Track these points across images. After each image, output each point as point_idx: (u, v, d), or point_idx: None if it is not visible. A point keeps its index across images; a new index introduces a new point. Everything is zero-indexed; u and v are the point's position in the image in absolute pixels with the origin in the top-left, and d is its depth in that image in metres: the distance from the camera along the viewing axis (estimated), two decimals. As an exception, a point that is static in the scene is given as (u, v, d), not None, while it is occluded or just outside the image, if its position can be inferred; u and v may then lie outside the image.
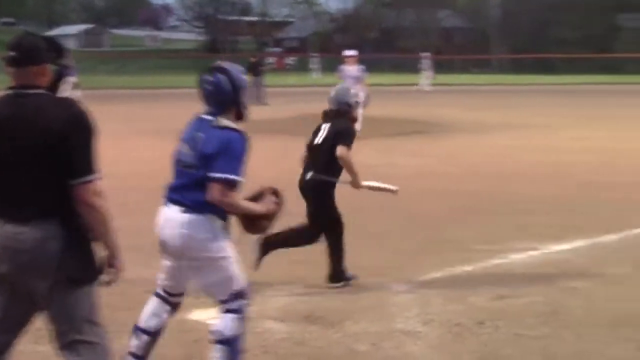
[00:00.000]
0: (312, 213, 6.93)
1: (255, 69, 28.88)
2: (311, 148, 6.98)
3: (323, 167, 6.82)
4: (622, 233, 8.95)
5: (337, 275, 6.88)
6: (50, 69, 3.65)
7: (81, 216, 3.58)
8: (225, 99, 4.57)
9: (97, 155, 3.63)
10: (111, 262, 3.70)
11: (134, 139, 18.63)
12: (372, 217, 9.34)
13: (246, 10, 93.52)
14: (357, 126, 18.71)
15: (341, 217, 6.91)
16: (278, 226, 4.83)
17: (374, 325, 5.90)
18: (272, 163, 12.58)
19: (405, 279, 7.05)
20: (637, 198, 11.22)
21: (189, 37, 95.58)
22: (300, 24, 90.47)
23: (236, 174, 4.42)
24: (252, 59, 31.14)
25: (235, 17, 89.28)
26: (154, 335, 4.71)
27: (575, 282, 7.02)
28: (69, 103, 3.60)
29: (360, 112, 18.13)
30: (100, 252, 3.69)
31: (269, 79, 32.04)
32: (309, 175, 6.89)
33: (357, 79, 18.17)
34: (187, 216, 4.47)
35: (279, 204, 4.75)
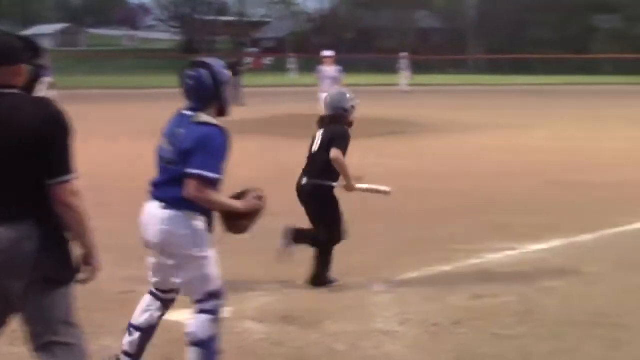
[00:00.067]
0: (313, 217, 6.92)
1: (233, 69, 28.71)
2: (309, 157, 6.98)
3: (319, 172, 6.80)
4: (597, 233, 9.02)
5: (321, 279, 6.87)
6: (26, 69, 3.62)
7: (58, 216, 3.56)
8: (207, 94, 4.54)
9: (74, 155, 3.61)
10: (88, 261, 3.68)
11: (111, 139, 18.53)
12: (350, 217, 9.33)
13: (223, 10, 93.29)
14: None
15: (342, 223, 6.88)
16: (260, 225, 4.82)
17: (353, 325, 5.91)
18: (248, 163, 12.57)
19: (383, 279, 7.06)
20: (612, 198, 11.31)
21: (166, 37, 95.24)
22: (278, 24, 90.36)
23: (212, 170, 4.38)
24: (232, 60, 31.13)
25: (212, 17, 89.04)
26: (144, 331, 4.71)
27: (551, 281, 7.07)
28: (45, 103, 3.58)
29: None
30: (76, 251, 3.68)
31: (246, 79, 32.01)
32: (305, 180, 6.89)
33: (335, 80, 18.22)
34: (167, 212, 4.46)
35: (261, 202, 4.71)
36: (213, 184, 4.41)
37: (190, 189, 4.38)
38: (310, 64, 33.65)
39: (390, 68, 44.72)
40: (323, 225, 6.88)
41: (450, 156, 16.18)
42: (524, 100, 33.78)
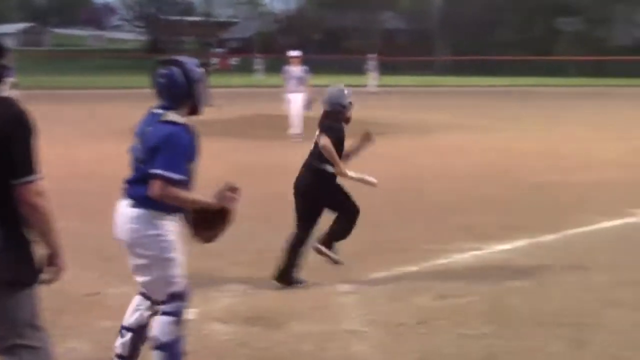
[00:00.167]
0: (333, 206, 7.06)
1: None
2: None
3: (317, 158, 6.97)
4: (561, 233, 9.11)
5: (287, 277, 6.88)
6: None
7: (21, 216, 3.53)
8: (179, 92, 4.50)
9: (38, 155, 3.59)
10: (53, 261, 3.65)
11: (75, 140, 18.36)
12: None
13: (189, 10, 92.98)
14: (298, 129, 18.78)
15: (350, 198, 7.06)
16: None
17: (319, 326, 5.92)
18: (216, 164, 12.53)
19: (349, 279, 7.07)
20: (576, 198, 11.42)
21: (132, 37, 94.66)
22: (244, 24, 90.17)
23: (175, 170, 4.35)
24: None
25: (178, 17, 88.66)
26: (135, 332, 4.65)
27: (516, 281, 7.12)
28: (8, 103, 3.55)
29: (301, 114, 18.28)
30: (40, 252, 3.65)
31: (213, 79, 31.83)
32: (302, 171, 7.06)
33: (301, 80, 18.21)
34: (135, 211, 4.44)
35: (235, 195, 4.61)
36: (176, 184, 4.38)
37: (154, 189, 4.36)
38: (276, 65, 33.56)
39: (357, 69, 44.81)
40: (339, 205, 7.04)
41: (415, 157, 16.25)
42: (489, 102, 34.02)
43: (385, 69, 46.57)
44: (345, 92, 7.18)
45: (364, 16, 77.18)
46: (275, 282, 6.85)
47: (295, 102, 18.19)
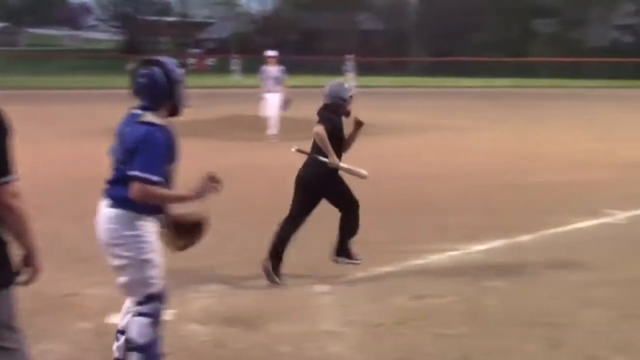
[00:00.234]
0: (333, 198, 7.19)
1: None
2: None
3: (316, 151, 7.07)
4: (537, 233, 9.16)
5: (277, 258, 6.96)
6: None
7: (-3, 218, 3.50)
8: (160, 93, 4.47)
9: (13, 156, 3.56)
10: (29, 262, 3.63)
11: (50, 140, 18.24)
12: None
13: (166, 10, 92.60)
14: (274, 130, 18.76)
15: (349, 191, 7.18)
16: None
17: (296, 327, 5.92)
18: (193, 165, 12.46)
19: (327, 280, 7.08)
20: (551, 198, 11.49)
21: (107, 37, 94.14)
22: (221, 24, 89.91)
23: (152, 171, 4.33)
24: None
25: (154, 18, 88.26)
26: None
27: (492, 281, 7.16)
28: (-16, 103, 3.52)
29: (278, 115, 18.27)
30: (15, 253, 3.62)
31: (189, 80, 31.67)
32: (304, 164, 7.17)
33: (278, 80, 18.20)
34: (114, 211, 4.43)
35: (216, 187, 4.53)
36: (154, 185, 4.37)
37: (134, 190, 4.35)
38: (253, 65, 33.47)
39: (333, 70, 44.81)
40: (343, 199, 7.18)
41: (390, 157, 16.27)
42: (465, 103, 34.13)
43: (362, 69, 46.61)
44: (346, 85, 7.35)
45: (340, 17, 77.14)
46: (253, 283, 6.85)
47: (273, 102, 18.17)
